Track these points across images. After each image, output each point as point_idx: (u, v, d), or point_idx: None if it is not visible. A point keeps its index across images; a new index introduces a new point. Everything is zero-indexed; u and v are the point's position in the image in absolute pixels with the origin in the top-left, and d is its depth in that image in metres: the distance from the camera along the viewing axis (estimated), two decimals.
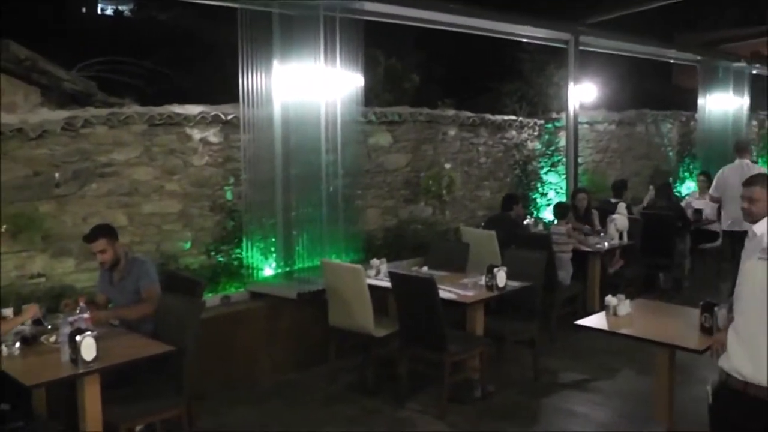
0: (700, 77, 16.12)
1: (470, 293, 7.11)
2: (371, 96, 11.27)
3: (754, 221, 4.29)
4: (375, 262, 8.05)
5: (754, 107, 17.72)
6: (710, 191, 11.21)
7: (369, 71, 11.51)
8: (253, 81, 7.82)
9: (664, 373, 5.65)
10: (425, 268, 8.21)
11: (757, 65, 17.76)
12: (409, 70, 14.34)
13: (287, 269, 8.18)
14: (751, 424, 3.70)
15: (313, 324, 7.87)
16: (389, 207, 10.14)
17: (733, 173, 10.39)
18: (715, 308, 5.35)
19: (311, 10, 7.80)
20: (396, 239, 9.76)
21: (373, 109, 10.01)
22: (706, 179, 12.93)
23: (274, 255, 8.19)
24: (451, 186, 10.44)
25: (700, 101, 16.04)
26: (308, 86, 7.89)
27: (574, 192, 11.16)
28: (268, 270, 8.17)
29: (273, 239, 8.16)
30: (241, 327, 7.65)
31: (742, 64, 16.52)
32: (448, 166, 10.79)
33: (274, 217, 8.16)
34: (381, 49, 13.60)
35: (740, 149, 11.04)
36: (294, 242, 8.15)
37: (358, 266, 7.23)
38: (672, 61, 16.34)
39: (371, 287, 7.26)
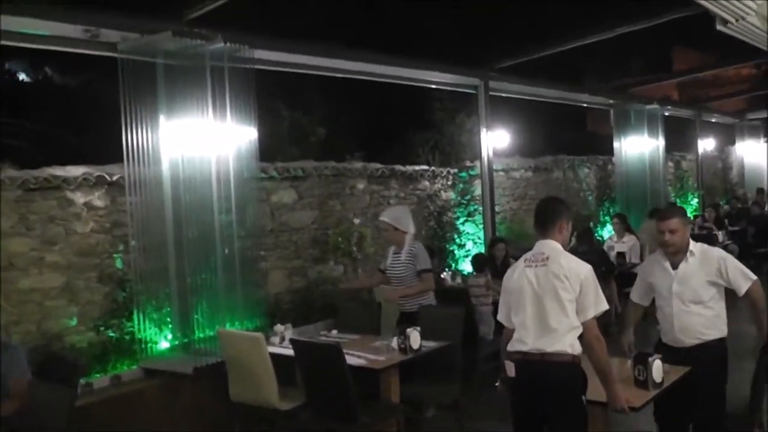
0: (614, 121, 16.02)
1: (382, 357, 6.47)
2: (276, 151, 10.74)
3: (676, 252, 5.46)
4: (279, 328, 7.39)
5: (669, 148, 17.70)
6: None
7: (272, 126, 11.02)
8: (138, 138, 7.20)
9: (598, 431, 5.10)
10: (335, 332, 7.55)
11: (669, 107, 17.78)
12: (315, 123, 13.80)
13: (185, 340, 7.49)
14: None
15: (214, 400, 7.15)
16: (297, 268, 9.54)
17: None
18: (649, 359, 4.99)
19: (197, 60, 7.21)
20: (305, 302, 9.15)
21: (275, 164, 9.43)
22: (620, 221, 12.66)
23: (169, 326, 7.50)
24: (362, 242, 9.87)
25: (616, 145, 15.94)
26: (198, 142, 7.27)
27: (491, 242, 10.73)
28: (164, 343, 7.47)
29: (168, 309, 7.48)
30: (133, 409, 6.87)
31: (655, 105, 16.45)
32: (357, 221, 10.25)
33: (168, 286, 7.50)
34: (284, 102, 13.05)
35: None
36: (191, 311, 7.45)
37: (258, 334, 6.58)
38: (585, 105, 16.12)
39: (275, 356, 6.62)
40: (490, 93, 11.71)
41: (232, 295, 7.51)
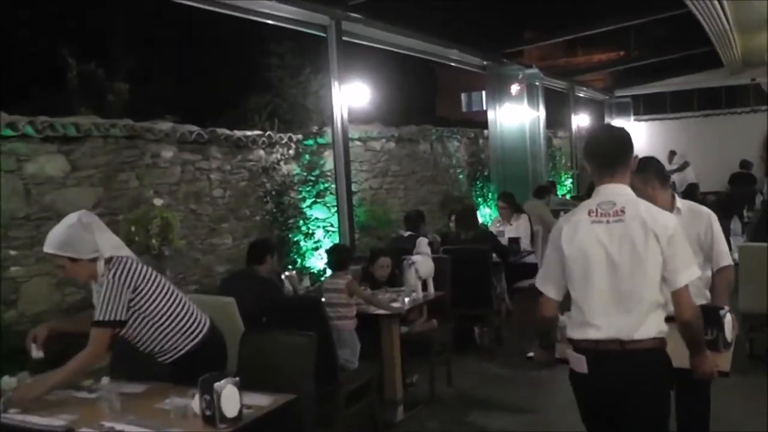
0: (488, 85, 14.10)
1: None
2: (57, 111, 7.87)
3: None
4: (8, 382, 4.35)
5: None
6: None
7: (51, 78, 8.30)
8: None
9: None
10: (105, 380, 4.54)
11: (543, 76, 15.82)
12: (116, 77, 10.90)
13: None
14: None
15: None
16: None
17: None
18: (721, 312, 4.07)
19: None
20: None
21: (36, 118, 6.51)
22: (507, 204, 10.19)
23: None
24: (168, 232, 6.96)
25: (490, 115, 13.94)
26: None
27: (372, 255, 7.79)
28: None
29: None
30: None
31: (535, 70, 14.42)
32: (159, 202, 7.29)
33: None
34: (72, 49, 10.09)
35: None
36: None
37: None
38: (453, 64, 13.69)
39: None
40: (344, 38, 9.21)
41: None
